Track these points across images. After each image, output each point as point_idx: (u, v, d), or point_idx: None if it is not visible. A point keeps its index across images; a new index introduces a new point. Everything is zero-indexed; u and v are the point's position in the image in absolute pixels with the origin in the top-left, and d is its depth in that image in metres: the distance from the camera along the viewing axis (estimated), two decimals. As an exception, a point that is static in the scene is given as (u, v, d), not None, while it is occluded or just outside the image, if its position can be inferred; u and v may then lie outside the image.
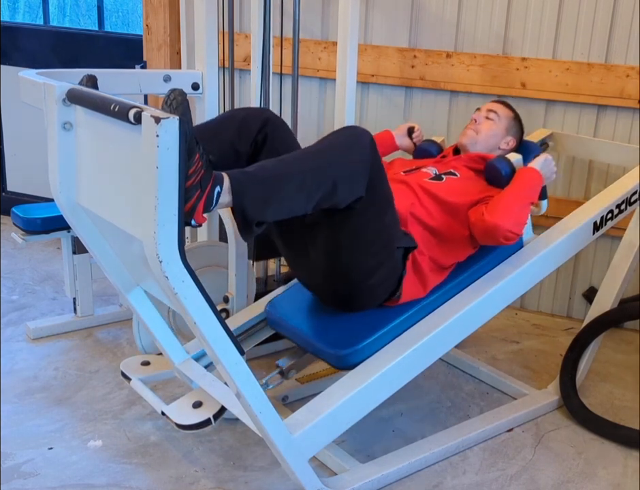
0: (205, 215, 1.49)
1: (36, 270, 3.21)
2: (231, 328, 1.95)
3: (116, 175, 1.49)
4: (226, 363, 1.53)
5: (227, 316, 2.28)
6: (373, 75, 3.02)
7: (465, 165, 2.18)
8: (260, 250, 2.53)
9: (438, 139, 2.43)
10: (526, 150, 2.32)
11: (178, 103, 1.35)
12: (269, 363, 2.01)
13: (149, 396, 1.90)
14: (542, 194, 2.07)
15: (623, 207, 2.25)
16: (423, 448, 2.03)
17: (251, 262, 2.46)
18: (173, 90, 1.37)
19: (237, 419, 1.81)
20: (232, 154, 1.83)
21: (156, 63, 3.25)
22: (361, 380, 1.80)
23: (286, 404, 2.23)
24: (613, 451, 2.13)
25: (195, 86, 2.41)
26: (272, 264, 2.85)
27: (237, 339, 1.72)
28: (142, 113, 1.31)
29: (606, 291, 2.33)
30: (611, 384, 2.50)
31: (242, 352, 1.56)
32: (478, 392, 2.43)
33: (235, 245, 2.25)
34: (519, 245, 2.10)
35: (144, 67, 3.21)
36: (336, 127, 2.26)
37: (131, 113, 1.33)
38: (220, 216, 2.43)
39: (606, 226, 2.24)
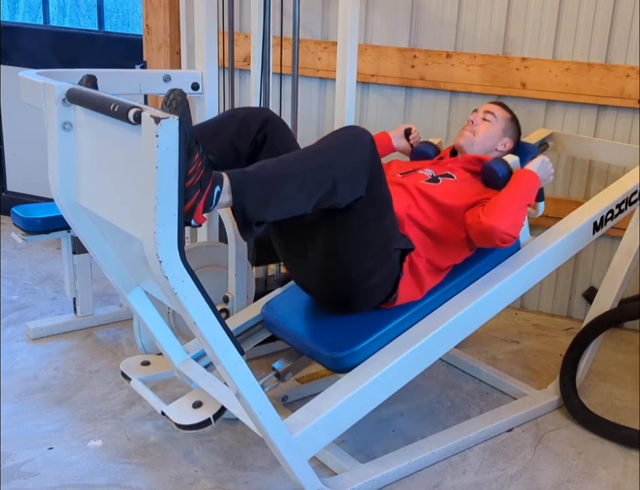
0: (205, 215, 1.49)
1: (36, 270, 3.21)
2: (231, 328, 1.95)
3: (115, 175, 1.49)
4: (226, 363, 1.53)
5: (227, 316, 2.28)
6: (373, 75, 3.02)
7: (462, 167, 2.18)
8: (260, 255, 2.53)
9: (435, 141, 2.43)
10: (523, 151, 2.32)
11: (177, 103, 1.35)
12: (269, 363, 2.01)
13: (149, 396, 1.90)
14: (540, 196, 2.06)
15: (623, 207, 2.25)
16: (423, 448, 2.03)
17: (250, 257, 2.46)
18: (172, 90, 1.37)
19: (237, 419, 1.81)
20: (232, 154, 1.83)
21: (156, 63, 3.25)
22: (361, 380, 1.80)
23: (286, 404, 2.23)
24: (613, 451, 2.13)
25: (195, 86, 2.41)
26: (272, 264, 2.85)
27: (237, 339, 1.72)
28: (142, 113, 1.31)
29: (606, 291, 2.33)
30: (611, 384, 2.50)
31: (241, 352, 1.56)
32: (478, 392, 2.43)
33: (235, 245, 2.25)
34: (516, 247, 2.10)
35: (143, 67, 3.21)
36: (336, 127, 2.26)
37: (131, 113, 1.33)
38: (220, 216, 2.43)
39: (606, 226, 2.24)
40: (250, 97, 2.67)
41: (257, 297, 2.32)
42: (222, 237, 2.45)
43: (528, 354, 2.71)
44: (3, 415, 2.14)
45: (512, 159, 2.12)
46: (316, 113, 3.17)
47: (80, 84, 1.59)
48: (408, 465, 1.97)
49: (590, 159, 2.83)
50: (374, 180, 1.71)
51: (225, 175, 1.50)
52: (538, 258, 2.07)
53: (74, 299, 2.70)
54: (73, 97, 1.53)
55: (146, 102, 3.11)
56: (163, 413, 1.83)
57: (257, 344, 2.18)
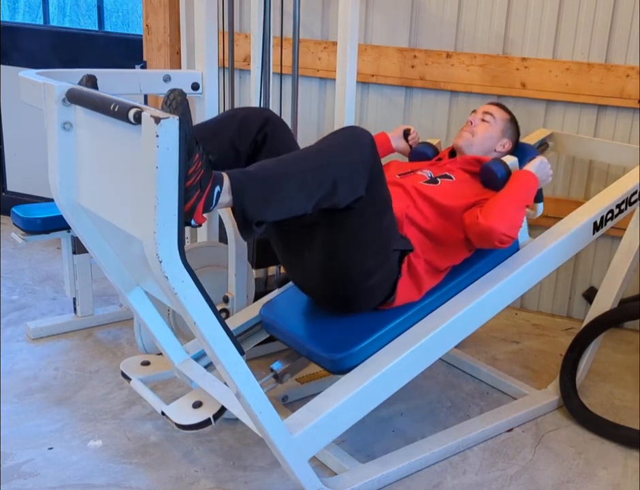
0: (205, 215, 1.49)
1: (36, 270, 3.21)
2: (231, 328, 1.95)
3: (115, 175, 1.49)
4: (226, 363, 1.53)
5: (227, 316, 2.28)
6: (373, 75, 3.02)
7: (460, 168, 2.18)
8: (260, 258, 2.53)
9: (434, 142, 2.42)
10: (522, 152, 2.31)
11: (177, 103, 1.35)
12: (268, 363, 2.01)
13: (149, 396, 1.90)
14: (538, 197, 2.05)
15: (623, 207, 2.25)
16: (423, 448, 2.03)
17: (251, 262, 2.46)
18: (172, 90, 1.37)
19: (237, 419, 1.81)
20: (232, 154, 1.83)
21: (156, 63, 3.25)
22: (361, 380, 1.80)
23: (286, 404, 2.24)
24: (613, 451, 2.13)
25: (195, 86, 2.41)
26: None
27: (237, 339, 1.72)
28: (142, 113, 1.31)
29: (606, 291, 2.33)
30: (611, 384, 2.50)
31: (241, 352, 1.56)
32: (478, 392, 2.43)
33: (235, 245, 2.25)
34: (515, 248, 2.10)
35: (144, 67, 3.21)
36: (336, 127, 2.27)
37: (131, 113, 1.33)
38: (220, 216, 2.43)
39: (606, 226, 2.24)
40: (250, 97, 2.67)
41: (257, 296, 2.32)
42: (222, 237, 2.45)
43: (528, 354, 2.71)
44: (3, 415, 2.14)
45: (511, 160, 2.11)
46: (316, 113, 3.17)
47: (80, 84, 1.59)
48: (408, 465, 1.97)
49: (590, 159, 2.83)
50: (374, 180, 1.71)
51: (225, 175, 1.50)
52: (538, 259, 2.07)
53: (74, 299, 2.70)
54: (73, 97, 1.53)
55: (146, 102, 3.11)
56: (163, 413, 1.83)
57: (257, 344, 2.18)
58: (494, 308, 2.03)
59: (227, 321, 1.98)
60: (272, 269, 2.82)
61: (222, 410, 1.82)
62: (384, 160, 2.33)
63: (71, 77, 1.72)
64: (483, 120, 2.28)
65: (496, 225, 1.89)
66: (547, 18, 2.77)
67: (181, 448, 2.03)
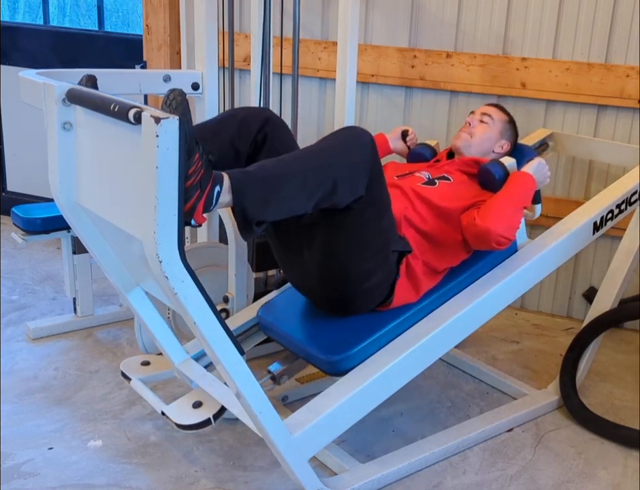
0: (205, 215, 1.49)
1: (36, 270, 3.21)
2: (231, 328, 1.95)
3: (115, 175, 1.49)
4: (226, 363, 1.53)
5: (227, 316, 2.28)
6: (373, 75, 3.02)
7: (458, 169, 2.17)
8: (260, 260, 2.53)
9: (432, 143, 2.42)
10: (520, 153, 2.31)
11: (177, 103, 1.35)
12: (268, 363, 2.01)
13: (149, 396, 1.90)
14: (536, 199, 2.05)
15: (623, 207, 2.25)
16: (423, 448, 2.03)
17: (251, 263, 2.46)
18: (172, 90, 1.37)
19: (237, 419, 1.81)
20: (232, 154, 1.83)
21: (156, 63, 3.25)
22: (361, 380, 1.80)
23: (286, 404, 2.24)
24: (613, 451, 2.13)
25: (195, 86, 2.41)
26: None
27: (237, 339, 1.72)
28: (142, 113, 1.31)
29: (606, 291, 2.33)
30: (611, 384, 2.50)
31: (241, 352, 1.56)
32: (478, 392, 2.43)
33: (235, 245, 2.25)
34: (513, 249, 2.10)
35: (144, 67, 3.21)
36: (336, 127, 2.27)
37: (131, 113, 1.33)
38: (220, 216, 2.43)
39: (606, 227, 2.23)
40: (250, 97, 2.67)
41: (257, 296, 2.32)
42: (222, 238, 2.45)
43: (528, 354, 2.71)
44: (3, 415, 2.14)
45: (509, 161, 2.11)
46: (316, 113, 3.17)
47: (79, 84, 1.59)
48: (408, 465, 1.97)
49: (590, 159, 2.83)
50: (374, 180, 1.71)
51: (225, 174, 1.50)
52: (538, 259, 2.07)
53: (74, 299, 2.70)
54: (73, 97, 1.53)
55: (146, 102, 3.11)
56: (163, 413, 1.83)
57: (257, 344, 2.18)
58: (494, 308, 2.03)
59: (227, 321, 1.98)
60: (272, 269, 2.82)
61: (222, 410, 1.82)
62: (382, 162, 2.34)
63: (71, 77, 1.72)
64: (481, 121, 2.28)
65: (493, 227, 1.89)
66: (547, 18, 2.77)
67: (181, 448, 2.03)
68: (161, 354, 2.02)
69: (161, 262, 1.37)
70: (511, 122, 2.33)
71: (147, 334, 2.27)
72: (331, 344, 1.87)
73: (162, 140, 1.29)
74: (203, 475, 1.93)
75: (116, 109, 1.37)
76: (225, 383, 1.79)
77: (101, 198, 1.57)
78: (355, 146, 1.67)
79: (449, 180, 2.12)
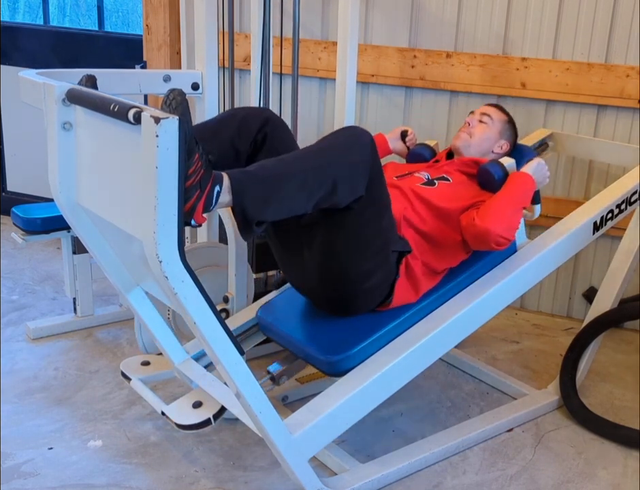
0: (204, 215, 1.49)
1: (36, 270, 3.21)
2: (231, 328, 1.95)
3: (115, 175, 1.49)
4: (226, 363, 1.53)
5: (227, 316, 2.28)
6: (373, 75, 3.02)
7: (458, 170, 2.17)
8: (260, 261, 2.53)
9: (432, 143, 2.42)
10: (520, 153, 2.31)
11: (177, 103, 1.35)
12: (268, 363, 2.01)
13: (149, 396, 1.90)
14: (535, 199, 2.05)
15: (623, 207, 2.25)
16: (423, 448, 2.03)
17: (250, 264, 2.46)
18: (172, 90, 1.37)
19: (237, 419, 1.81)
20: (232, 154, 1.83)
21: (156, 63, 3.25)
22: (361, 380, 1.80)
23: (286, 404, 2.24)
24: (613, 451, 2.13)
25: (195, 86, 2.41)
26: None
27: (237, 339, 1.72)
28: (142, 113, 1.31)
29: (606, 291, 2.33)
30: (611, 384, 2.50)
31: (241, 352, 1.56)
32: (478, 392, 2.43)
33: (235, 245, 2.25)
34: (513, 249, 2.10)
35: (144, 67, 3.21)
36: (336, 127, 2.27)
37: (131, 113, 1.33)
38: (220, 216, 2.43)
39: (606, 226, 2.23)
40: (250, 97, 2.67)
41: (257, 296, 2.32)
42: (222, 238, 2.45)
43: (528, 354, 2.71)
44: (3, 415, 2.14)
45: (508, 162, 2.11)
46: (316, 113, 3.17)
47: (79, 84, 1.59)
48: (408, 465, 1.97)
49: (590, 159, 2.82)
50: (374, 180, 1.71)
51: (224, 174, 1.50)
52: (538, 259, 2.07)
53: (74, 299, 2.70)
54: (73, 97, 1.53)
55: (146, 102, 3.11)
56: (163, 413, 1.83)
57: (257, 344, 2.18)
58: (494, 308, 2.03)
59: (226, 321, 1.98)
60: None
61: (222, 410, 1.82)
62: (381, 162, 2.34)
63: (71, 77, 1.72)
64: (480, 122, 2.28)
65: (493, 227, 1.89)
66: (547, 18, 2.77)
67: (181, 448, 2.03)
68: (161, 354, 2.02)
69: (161, 262, 1.37)
70: (510, 122, 2.33)
71: (147, 334, 2.27)
72: (331, 345, 1.87)
73: (162, 140, 1.29)
74: (203, 475, 1.93)
75: (116, 109, 1.37)
76: (225, 383, 1.79)
77: (101, 198, 1.57)
78: (355, 146, 1.67)
79: (448, 180, 2.12)
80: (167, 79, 2.34)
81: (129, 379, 1.99)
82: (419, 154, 2.36)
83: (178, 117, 1.30)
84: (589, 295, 2.92)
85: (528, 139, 2.66)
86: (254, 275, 2.47)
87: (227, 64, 2.73)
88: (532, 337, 2.86)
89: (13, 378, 2.35)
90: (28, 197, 3.73)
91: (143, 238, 1.39)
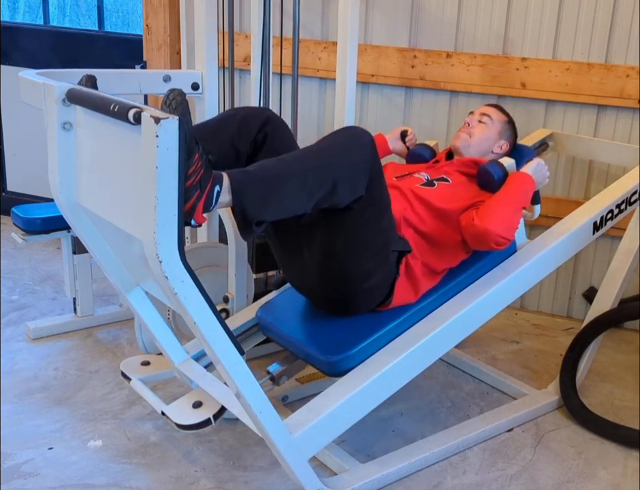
0: (204, 215, 1.49)
1: (36, 270, 3.21)
2: (231, 328, 1.95)
3: (115, 175, 1.49)
4: (226, 363, 1.53)
5: (227, 316, 2.28)
6: (373, 75, 3.02)
7: (457, 170, 2.17)
8: (260, 261, 2.53)
9: (431, 143, 2.42)
10: (520, 154, 2.31)
11: (177, 103, 1.35)
12: (268, 363, 2.01)
13: (149, 396, 1.90)
14: (535, 199, 2.05)
15: (623, 207, 2.25)
16: (423, 448, 2.03)
17: (250, 264, 2.46)
18: (172, 90, 1.37)
19: (237, 419, 1.81)
20: (232, 154, 1.83)
21: (156, 63, 3.25)
22: (361, 380, 1.80)
23: (286, 404, 2.24)
24: (613, 451, 2.13)
25: (195, 86, 2.41)
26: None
27: (237, 339, 1.72)
28: (142, 113, 1.31)
29: (606, 291, 2.33)
30: (611, 384, 2.50)
31: (241, 352, 1.56)
32: (478, 392, 2.43)
33: (235, 245, 2.25)
34: (512, 250, 2.10)
35: (144, 67, 3.21)
36: (336, 127, 2.27)
37: (131, 113, 1.33)
38: (220, 216, 2.43)
39: (606, 226, 2.23)
40: (250, 97, 2.67)
41: (257, 296, 2.32)
42: (222, 238, 2.45)
43: (528, 354, 2.71)
44: (3, 415, 2.14)
45: (508, 162, 2.11)
46: (316, 113, 3.17)
47: (79, 84, 1.59)
48: (408, 465, 1.97)
49: (590, 159, 2.82)
50: (374, 180, 1.71)
51: (224, 174, 1.50)
52: (538, 259, 2.07)
53: (74, 299, 2.70)
54: (73, 97, 1.53)
55: (146, 102, 3.11)
56: (163, 413, 1.83)
57: (257, 344, 2.18)
58: (494, 308, 2.03)
59: (227, 321, 1.98)
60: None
61: (222, 410, 1.82)
62: (381, 162, 2.34)
63: (71, 77, 1.72)
64: (480, 122, 2.28)
65: (492, 227, 1.89)
66: (547, 18, 2.77)
67: (181, 448, 2.03)
68: (161, 354, 2.02)
69: (161, 262, 1.37)
70: (510, 122, 2.33)
71: (147, 334, 2.27)
72: (331, 345, 1.87)
73: (162, 140, 1.29)
74: (203, 475, 1.93)
75: (116, 109, 1.37)
76: (225, 383, 1.79)
77: (101, 198, 1.57)
78: (355, 146, 1.67)
79: (447, 181, 2.12)
80: (167, 79, 2.34)
81: (129, 379, 1.99)
82: (418, 155, 2.36)
83: (178, 117, 1.30)
84: (589, 295, 2.92)
85: (527, 139, 2.66)
86: (254, 276, 2.47)
87: (227, 64, 2.73)
88: (532, 337, 2.86)
89: (13, 378, 2.35)
90: (28, 197, 3.73)
91: (143, 238, 1.39)
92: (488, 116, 2.28)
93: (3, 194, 3.83)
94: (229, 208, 1.53)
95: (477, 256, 2.06)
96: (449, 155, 2.32)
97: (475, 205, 2.00)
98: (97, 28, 3.62)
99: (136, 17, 3.79)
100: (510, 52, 2.84)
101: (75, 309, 2.71)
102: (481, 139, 2.26)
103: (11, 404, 2.20)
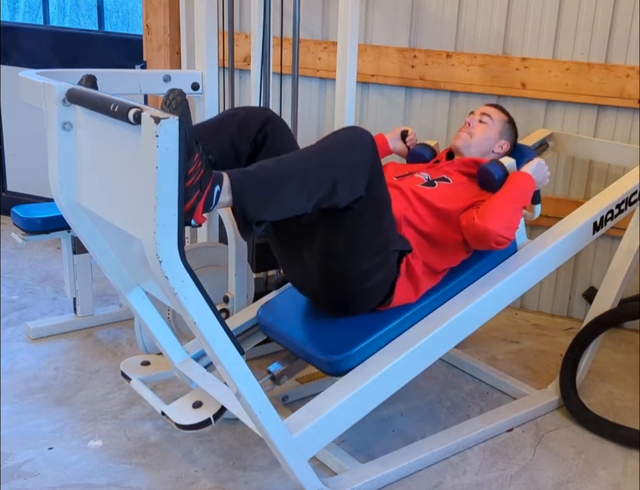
0: (205, 215, 1.49)
1: (36, 270, 3.21)
2: (231, 328, 1.95)
3: (115, 175, 1.49)
4: (226, 363, 1.53)
5: (227, 316, 2.28)
6: (373, 75, 3.02)
7: (458, 170, 2.17)
8: (260, 261, 2.53)
9: (432, 143, 2.42)
10: (520, 153, 2.31)
11: (177, 103, 1.35)
12: (268, 363, 2.01)
13: (149, 396, 1.90)
14: (536, 199, 2.05)
15: (623, 207, 2.25)
16: (423, 448, 2.03)
17: (250, 263, 2.46)
18: (172, 90, 1.37)
19: (237, 419, 1.81)
20: (232, 154, 1.83)
21: (156, 63, 3.25)
22: (361, 380, 1.80)
23: (286, 404, 2.24)
24: (613, 451, 2.13)
25: (195, 86, 2.41)
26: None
27: (237, 339, 1.72)
28: (142, 113, 1.31)
29: (606, 291, 2.33)
30: (611, 384, 2.50)
31: (241, 352, 1.56)
32: (478, 392, 2.43)
33: (235, 245, 2.25)
34: (513, 249, 2.10)
35: (144, 67, 3.21)
36: (336, 127, 2.27)
37: (131, 113, 1.33)
38: (220, 216, 2.43)
39: (606, 227, 2.24)
40: (250, 97, 2.67)
41: (257, 296, 2.32)
42: (222, 237, 2.45)
43: (528, 354, 2.71)
44: (3, 415, 2.14)
45: (508, 162, 2.11)
46: (316, 113, 3.17)
47: (79, 84, 1.59)
48: (408, 465, 1.97)
49: (590, 159, 2.82)
50: (374, 180, 1.71)
51: (225, 174, 1.50)
52: (538, 259, 2.07)
53: (74, 299, 2.70)
54: (73, 97, 1.53)
55: (146, 102, 3.11)
56: (163, 413, 1.83)
57: (257, 344, 2.18)
58: (494, 308, 2.03)
59: (227, 321, 1.98)
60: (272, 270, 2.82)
61: (222, 410, 1.82)
62: (382, 162, 2.34)
63: (71, 77, 1.72)
64: (480, 122, 2.28)
65: (492, 226, 1.89)
66: (547, 18, 2.77)
67: (181, 448, 2.03)
68: (161, 354, 2.02)
69: (161, 262, 1.37)
70: (511, 122, 2.33)
71: (147, 334, 2.27)
72: (331, 344, 1.87)
73: (162, 140, 1.29)
74: (203, 475, 1.93)
75: (116, 109, 1.37)
76: (225, 383, 1.79)
77: (101, 198, 1.57)
78: (356, 146, 1.67)
79: (448, 181, 2.12)
80: (167, 79, 2.35)
81: (129, 379, 1.99)
82: (419, 154, 2.36)
83: (178, 117, 1.30)
84: (589, 295, 2.92)
85: (527, 139, 2.66)
86: (254, 275, 2.47)
87: (227, 65, 2.73)
88: (532, 337, 2.86)
89: (13, 378, 2.35)
90: (28, 197, 3.73)
91: (143, 238, 1.39)
92: (489, 115, 2.28)
93: (3, 194, 3.83)
94: (229, 208, 1.53)
95: (478, 256, 2.06)
96: (450, 155, 2.32)
97: (476, 205, 2.00)
98: (97, 28, 3.62)
99: (136, 17, 3.79)
100: (510, 52, 2.84)
101: (75, 309, 2.71)
102: (482, 139, 2.26)
103: (11, 404, 2.20)
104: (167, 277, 1.38)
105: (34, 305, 2.87)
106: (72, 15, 3.93)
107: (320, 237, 1.78)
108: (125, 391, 2.29)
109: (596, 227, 2.20)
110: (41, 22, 3.68)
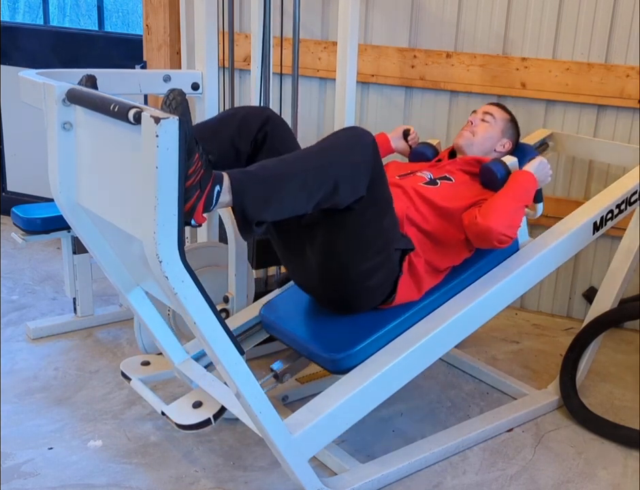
0: (205, 215, 1.49)
1: (36, 270, 3.21)
2: (231, 328, 1.95)
3: (115, 175, 1.49)
4: (226, 363, 1.53)
5: (227, 316, 2.28)
6: (373, 75, 3.02)
7: (460, 169, 2.17)
8: (260, 258, 2.53)
9: (434, 142, 2.42)
10: (522, 152, 2.31)
11: (177, 103, 1.35)
12: (268, 363, 2.01)
13: (149, 396, 1.90)
14: (538, 198, 2.05)
15: (623, 207, 2.25)
16: (423, 448, 2.03)
17: (251, 263, 2.46)
18: (172, 90, 1.37)
19: (237, 419, 1.81)
20: (232, 153, 1.83)
21: (156, 63, 3.25)
22: (361, 380, 1.80)
23: (286, 404, 2.24)
24: (613, 451, 2.12)
25: (195, 86, 2.41)
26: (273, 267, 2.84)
27: (237, 339, 1.72)
28: (142, 113, 1.31)
29: (606, 291, 2.33)
30: (611, 384, 2.50)
31: (241, 352, 1.56)
32: (478, 392, 2.43)
33: (235, 245, 2.25)
34: (515, 248, 2.10)
35: (144, 67, 3.21)
36: (336, 127, 2.27)
37: (131, 113, 1.33)
38: (220, 216, 2.43)
39: (606, 227, 2.24)
40: (250, 97, 2.67)
41: (257, 296, 2.32)
42: (222, 237, 2.45)
43: (528, 354, 2.71)
44: (3, 415, 2.14)
45: (510, 160, 2.11)
46: (316, 113, 3.17)
47: (79, 84, 1.59)
48: (408, 465, 1.97)
49: (590, 159, 2.82)
50: (375, 180, 1.71)
51: (225, 174, 1.50)
52: (538, 258, 2.07)
53: (74, 299, 2.70)
54: (73, 97, 1.53)
55: (146, 102, 3.11)
56: (163, 413, 1.83)
57: (257, 344, 2.18)
58: (495, 308, 2.03)
59: (227, 321, 1.98)
60: (272, 269, 2.82)
61: (222, 410, 1.82)
62: (383, 161, 2.34)
63: (71, 77, 1.72)
64: (483, 120, 2.28)
65: (494, 225, 1.89)
66: (547, 18, 2.77)
67: (181, 448, 2.03)
68: (161, 354, 2.02)
69: (161, 262, 1.37)
70: (513, 121, 2.33)
71: (147, 334, 2.27)
72: (334, 342, 1.88)
73: (162, 140, 1.29)
74: (203, 475, 1.93)
75: (116, 109, 1.37)
76: (225, 383, 1.79)
77: (101, 198, 1.57)
78: (356, 146, 1.67)
79: (450, 180, 2.12)
80: (167, 79, 2.35)
81: (129, 379, 1.99)
82: (421, 153, 2.36)
83: (178, 117, 1.30)
84: (589, 295, 2.92)
85: (528, 139, 2.66)
86: (254, 275, 2.47)
87: (227, 65, 2.73)
88: (532, 337, 2.86)
89: (13, 378, 2.35)
90: (28, 197, 3.73)
91: (143, 238, 1.39)
92: (491, 114, 2.29)
93: (3, 194, 3.83)
94: (230, 208, 1.53)
95: (480, 255, 2.06)
96: (452, 154, 2.32)
97: (478, 204, 2.00)
98: (97, 28, 3.62)
99: (136, 17, 3.79)
100: (510, 52, 2.84)
101: (75, 309, 2.71)
102: (484, 138, 2.26)
103: (11, 404, 2.20)
104: (167, 277, 1.38)
105: (34, 305, 2.87)
106: (72, 15, 3.93)
107: (321, 237, 1.78)
108: (125, 391, 2.29)
109: (596, 227, 2.20)
110: (41, 22, 3.68)
